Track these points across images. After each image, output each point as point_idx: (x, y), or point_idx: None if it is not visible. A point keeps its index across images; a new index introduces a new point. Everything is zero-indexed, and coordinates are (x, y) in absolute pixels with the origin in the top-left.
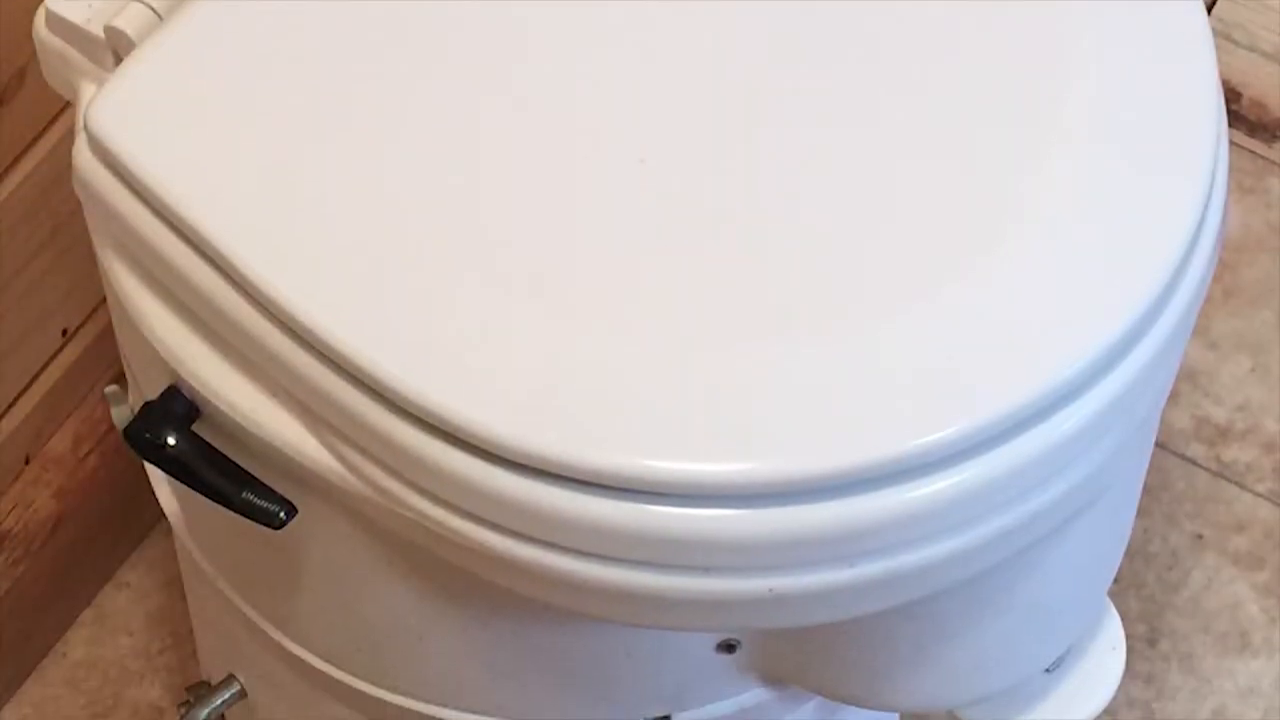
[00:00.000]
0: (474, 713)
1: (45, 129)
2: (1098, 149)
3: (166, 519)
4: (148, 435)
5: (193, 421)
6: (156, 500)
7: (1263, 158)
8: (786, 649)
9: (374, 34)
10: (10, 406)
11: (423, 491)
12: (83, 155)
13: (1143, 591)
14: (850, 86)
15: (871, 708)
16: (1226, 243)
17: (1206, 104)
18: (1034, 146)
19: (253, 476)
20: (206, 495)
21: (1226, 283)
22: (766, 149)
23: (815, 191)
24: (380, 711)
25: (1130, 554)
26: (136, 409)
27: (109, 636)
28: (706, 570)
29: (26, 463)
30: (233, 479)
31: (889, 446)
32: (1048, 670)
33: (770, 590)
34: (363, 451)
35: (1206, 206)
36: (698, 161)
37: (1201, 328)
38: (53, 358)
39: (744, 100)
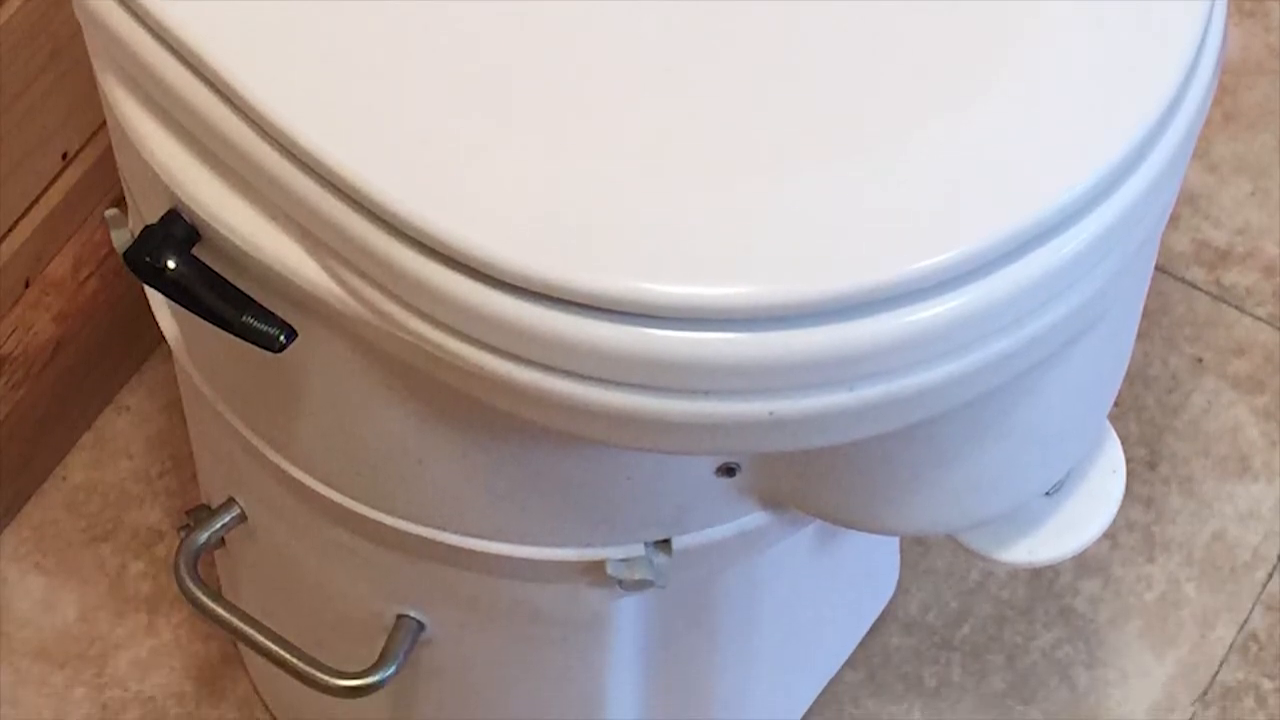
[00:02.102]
0: (473, 536)
1: None
2: None
3: (167, 343)
4: (148, 258)
5: (193, 245)
6: (156, 324)
7: None
8: (786, 472)
9: None
10: (10, 230)
11: (422, 315)
12: None
13: (1143, 415)
14: None
15: (871, 531)
16: (1226, 66)
17: None
18: None
19: (252, 300)
20: (206, 319)
21: (1226, 106)
22: None
23: (816, 22)
24: (379, 535)
25: (1130, 378)
26: (137, 232)
27: (109, 460)
28: (706, 393)
29: (26, 286)
30: (232, 302)
31: (886, 270)
32: (1048, 494)
33: (770, 413)
34: (362, 275)
35: (1206, 29)
36: None
37: (1201, 151)
38: (53, 181)
39: None
